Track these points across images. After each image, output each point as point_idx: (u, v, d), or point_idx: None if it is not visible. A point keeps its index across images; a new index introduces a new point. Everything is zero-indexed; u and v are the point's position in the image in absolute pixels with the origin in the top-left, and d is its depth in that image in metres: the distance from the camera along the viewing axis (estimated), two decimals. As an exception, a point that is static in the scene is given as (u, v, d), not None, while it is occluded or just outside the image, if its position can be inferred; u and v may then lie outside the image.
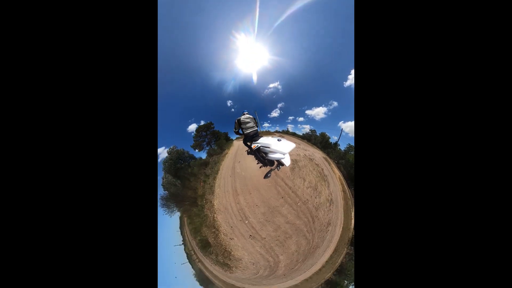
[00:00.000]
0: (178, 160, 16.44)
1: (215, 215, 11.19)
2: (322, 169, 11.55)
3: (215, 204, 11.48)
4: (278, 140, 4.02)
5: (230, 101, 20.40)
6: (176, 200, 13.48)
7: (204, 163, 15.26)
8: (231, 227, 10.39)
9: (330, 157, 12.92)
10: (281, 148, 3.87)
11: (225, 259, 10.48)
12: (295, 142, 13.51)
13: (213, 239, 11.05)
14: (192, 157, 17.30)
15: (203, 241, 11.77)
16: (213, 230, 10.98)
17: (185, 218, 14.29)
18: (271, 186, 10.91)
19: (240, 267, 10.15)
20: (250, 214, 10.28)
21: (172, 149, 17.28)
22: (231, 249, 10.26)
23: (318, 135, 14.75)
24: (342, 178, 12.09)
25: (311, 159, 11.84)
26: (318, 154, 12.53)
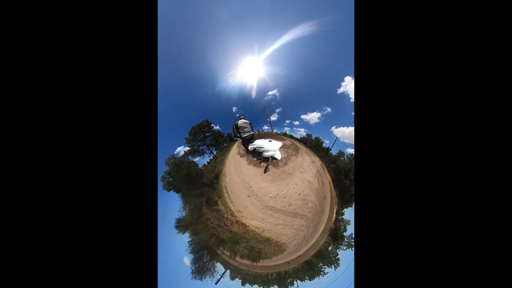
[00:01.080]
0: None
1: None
2: (321, 176, 13.53)
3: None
4: (269, 141, 5.17)
5: (235, 108, 21.63)
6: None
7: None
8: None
9: (323, 161, 14.90)
10: (272, 146, 5.04)
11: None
12: (300, 148, 15.03)
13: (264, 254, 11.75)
14: (194, 164, 15.48)
15: (253, 257, 11.54)
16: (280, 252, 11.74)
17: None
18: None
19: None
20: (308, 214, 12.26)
21: (169, 158, 15.14)
22: (287, 247, 11.81)
23: (313, 139, 16.53)
24: (331, 181, 14.23)
25: (317, 170, 13.82)
26: (318, 163, 14.38)
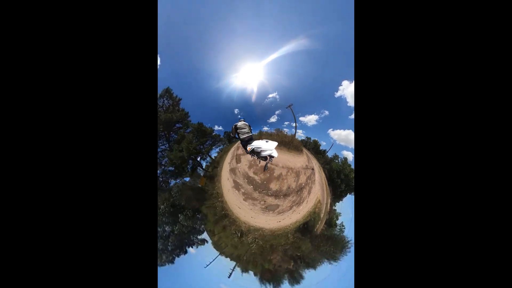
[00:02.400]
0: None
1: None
2: (320, 175, 16.18)
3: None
4: (266, 141, 5.88)
5: (236, 109, 22.92)
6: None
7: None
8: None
9: (319, 162, 17.41)
10: (269, 146, 5.69)
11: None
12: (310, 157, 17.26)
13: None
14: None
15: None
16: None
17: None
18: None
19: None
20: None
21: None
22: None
23: (312, 141, 18.82)
24: (325, 179, 16.88)
25: (318, 172, 16.40)
26: (317, 165, 16.84)
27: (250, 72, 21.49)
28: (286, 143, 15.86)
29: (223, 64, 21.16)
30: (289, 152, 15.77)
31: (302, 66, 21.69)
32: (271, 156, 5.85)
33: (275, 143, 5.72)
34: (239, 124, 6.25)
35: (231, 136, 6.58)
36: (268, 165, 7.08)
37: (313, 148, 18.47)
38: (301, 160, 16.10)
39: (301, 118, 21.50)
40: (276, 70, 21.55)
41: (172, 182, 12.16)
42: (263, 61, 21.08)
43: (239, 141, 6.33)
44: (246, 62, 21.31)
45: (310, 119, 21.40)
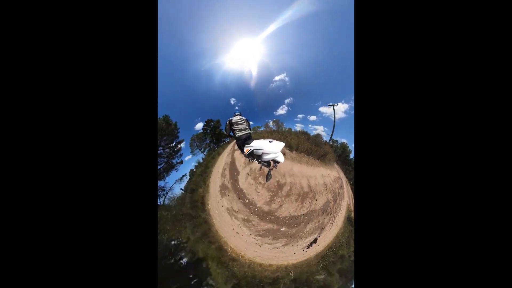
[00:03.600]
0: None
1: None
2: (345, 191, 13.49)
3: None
4: (269, 141, 4.47)
5: (233, 99, 16.94)
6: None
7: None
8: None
9: (347, 176, 14.34)
10: (273, 148, 4.37)
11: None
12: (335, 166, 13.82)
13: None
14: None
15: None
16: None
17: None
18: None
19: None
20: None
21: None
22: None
23: (339, 145, 15.05)
24: (352, 197, 14.24)
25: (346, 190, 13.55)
26: (343, 179, 13.76)
27: (246, 50, 15.07)
28: (317, 154, 12.23)
29: (211, 40, 14.68)
30: (321, 166, 12.48)
31: (321, 34, 14.68)
32: (275, 161, 4.57)
33: (281, 144, 4.36)
34: (234, 119, 4.99)
35: (225, 134, 5.34)
36: (272, 173, 5.51)
37: (340, 155, 14.95)
38: (331, 174, 13.10)
39: (322, 109, 15.75)
40: (283, 42, 14.80)
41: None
42: (261, 34, 14.45)
43: (236, 141, 5.12)
44: (239, 37, 14.70)
45: (336, 110, 15.24)
